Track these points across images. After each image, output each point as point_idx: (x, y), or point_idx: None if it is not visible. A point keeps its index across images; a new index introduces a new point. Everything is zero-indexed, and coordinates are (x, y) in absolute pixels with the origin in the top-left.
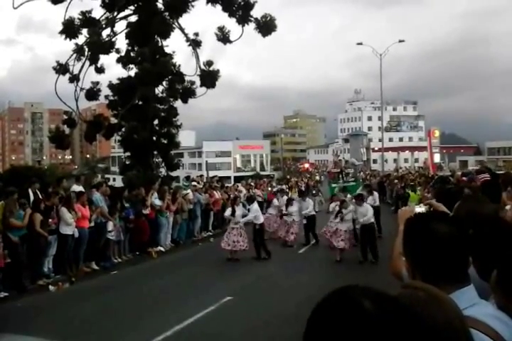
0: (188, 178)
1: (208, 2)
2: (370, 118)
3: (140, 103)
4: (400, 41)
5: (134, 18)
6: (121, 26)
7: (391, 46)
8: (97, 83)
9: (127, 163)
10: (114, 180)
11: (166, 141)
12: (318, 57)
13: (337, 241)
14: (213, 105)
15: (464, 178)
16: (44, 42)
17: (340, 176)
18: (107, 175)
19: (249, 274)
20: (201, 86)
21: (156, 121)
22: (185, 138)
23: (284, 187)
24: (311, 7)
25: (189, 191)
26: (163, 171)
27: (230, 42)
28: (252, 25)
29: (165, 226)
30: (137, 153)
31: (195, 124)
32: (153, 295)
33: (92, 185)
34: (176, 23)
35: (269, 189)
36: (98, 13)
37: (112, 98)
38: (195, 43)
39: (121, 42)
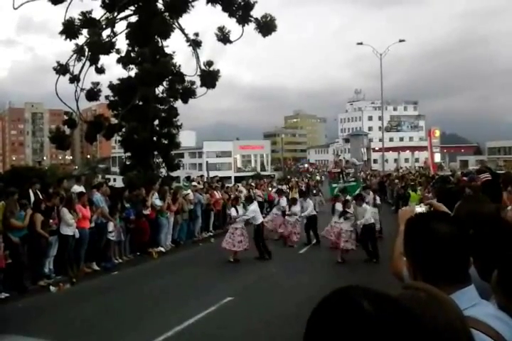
0: (188, 178)
1: (208, 2)
2: (370, 118)
3: (140, 103)
4: (400, 41)
5: (134, 19)
6: (121, 27)
7: (391, 46)
8: (98, 83)
9: (128, 163)
10: (114, 180)
11: (166, 141)
12: (319, 57)
13: (343, 242)
14: (214, 105)
15: (465, 178)
16: (44, 43)
17: (341, 176)
18: (107, 176)
19: (249, 274)
20: (201, 86)
21: (156, 122)
22: (186, 138)
23: (282, 187)
24: (311, 7)
25: (189, 191)
26: (163, 171)
27: (230, 42)
28: (252, 25)
29: (165, 227)
30: (138, 153)
31: (195, 124)
32: (154, 295)
33: (93, 186)
34: (176, 24)
35: (270, 189)
36: (98, 13)
37: (112, 98)
38: (195, 43)
39: (122, 43)
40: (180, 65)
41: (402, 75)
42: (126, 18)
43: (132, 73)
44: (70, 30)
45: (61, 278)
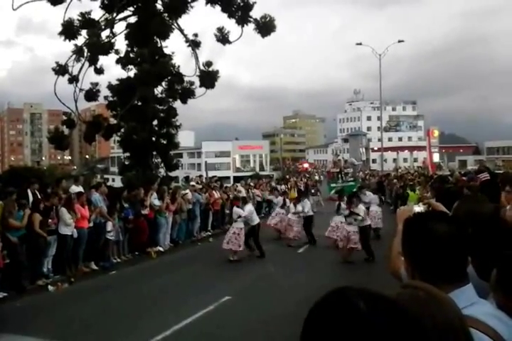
0: (187, 178)
1: (207, 3)
2: (369, 118)
3: (139, 103)
4: (399, 41)
5: (133, 19)
6: (120, 27)
7: (390, 46)
8: (97, 84)
9: (126, 163)
10: (113, 180)
11: (165, 142)
12: (318, 58)
13: (353, 243)
14: (213, 105)
15: (464, 178)
16: (43, 44)
17: (340, 176)
18: (106, 176)
19: (248, 274)
20: (200, 86)
21: (155, 122)
22: (185, 138)
23: (281, 187)
24: (311, 7)
25: (188, 191)
26: (162, 171)
27: (230, 42)
28: (251, 26)
29: (164, 227)
30: (136, 153)
31: (194, 125)
32: (153, 295)
33: (91, 186)
34: (175, 24)
35: (269, 189)
36: (97, 14)
37: (111, 99)
38: (194, 44)
39: (121, 43)
40: (179, 66)
41: (400, 75)
42: (125, 18)
43: (131, 73)
44: (69, 30)
45: (59, 278)
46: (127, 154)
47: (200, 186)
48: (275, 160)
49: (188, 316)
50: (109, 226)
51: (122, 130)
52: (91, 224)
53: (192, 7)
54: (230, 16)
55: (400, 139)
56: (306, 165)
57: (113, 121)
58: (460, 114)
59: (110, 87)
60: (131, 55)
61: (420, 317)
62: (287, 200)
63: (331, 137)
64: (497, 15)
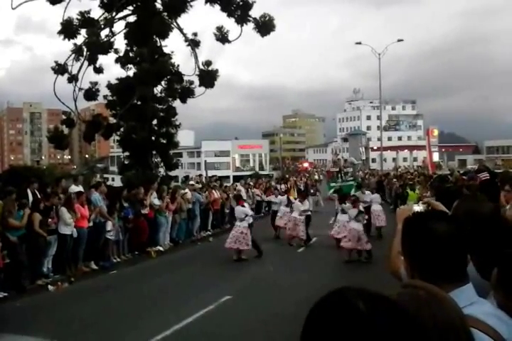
0: (186, 178)
1: (206, 2)
2: (369, 118)
3: (139, 103)
4: (399, 40)
5: (132, 19)
6: (119, 26)
7: (390, 45)
8: (96, 83)
9: (126, 162)
10: (113, 179)
11: (164, 141)
12: (317, 57)
13: (362, 244)
14: (212, 105)
15: (465, 177)
16: (43, 43)
17: (339, 175)
18: (106, 175)
19: (248, 273)
20: (200, 86)
21: (154, 121)
22: (184, 137)
23: (281, 186)
24: (310, 7)
25: (187, 190)
26: (162, 171)
27: (229, 42)
28: (250, 25)
29: (164, 226)
30: (136, 152)
31: (194, 124)
32: (153, 294)
33: (91, 185)
34: (175, 23)
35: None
36: (97, 13)
37: (110, 98)
38: (193, 43)
39: (120, 43)
40: (178, 65)
41: (400, 75)
42: (124, 17)
43: (131, 73)
44: (68, 29)
45: (59, 278)
46: (127, 153)
47: (200, 185)
48: (275, 160)
49: (188, 316)
50: (109, 225)
51: (122, 129)
52: (91, 224)
53: (191, 6)
54: (229, 15)
55: (400, 138)
56: (306, 165)
57: (112, 120)
58: (459, 113)
59: (109, 86)
60: (131, 54)
61: (421, 316)
62: (291, 198)
63: (331, 136)
64: (497, 14)
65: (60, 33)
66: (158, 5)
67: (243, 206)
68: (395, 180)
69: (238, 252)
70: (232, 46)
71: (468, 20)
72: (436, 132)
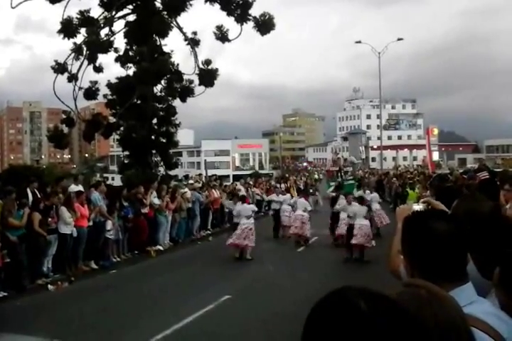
0: (186, 177)
1: (206, 1)
2: (368, 117)
3: (138, 102)
4: (399, 39)
5: (132, 18)
6: (119, 25)
7: (390, 44)
8: (96, 82)
9: (126, 162)
10: (113, 179)
11: (164, 140)
12: (317, 56)
13: (371, 240)
14: (212, 104)
15: (465, 176)
16: (42, 42)
17: (339, 174)
18: (105, 174)
19: (248, 273)
20: (200, 85)
21: (154, 120)
22: (184, 136)
23: (277, 186)
24: (310, 6)
25: (187, 189)
26: (161, 170)
27: (229, 41)
28: (250, 24)
29: (164, 225)
30: (136, 152)
31: (193, 123)
32: (152, 294)
33: (91, 185)
34: (175, 22)
35: (268, 187)
36: (96, 12)
37: (110, 97)
38: (193, 42)
39: (120, 42)
40: (178, 64)
41: (400, 74)
42: (124, 17)
43: (130, 72)
44: (68, 29)
45: (59, 277)
46: (127, 153)
47: (200, 185)
48: (275, 159)
49: (188, 315)
50: (109, 225)
51: (122, 128)
52: (91, 223)
53: (191, 5)
54: (229, 14)
55: (400, 137)
56: (305, 164)
57: (112, 119)
58: (459, 112)
59: (109, 85)
60: (131, 54)
61: (422, 315)
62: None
63: (331, 135)
64: (497, 14)
65: (59, 32)
66: (158, 4)
67: (249, 203)
68: (394, 179)
69: (241, 250)
70: (232, 45)
71: (468, 20)
72: (436, 131)
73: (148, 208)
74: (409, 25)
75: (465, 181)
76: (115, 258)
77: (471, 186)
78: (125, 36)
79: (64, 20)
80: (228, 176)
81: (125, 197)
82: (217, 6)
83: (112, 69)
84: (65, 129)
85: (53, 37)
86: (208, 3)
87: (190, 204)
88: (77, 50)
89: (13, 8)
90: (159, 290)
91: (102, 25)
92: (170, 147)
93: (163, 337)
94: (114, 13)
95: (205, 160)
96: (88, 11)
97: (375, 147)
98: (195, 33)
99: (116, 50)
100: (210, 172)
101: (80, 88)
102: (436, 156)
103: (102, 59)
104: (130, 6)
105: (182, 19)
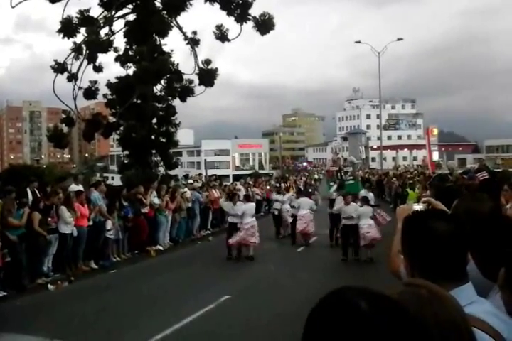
0: (186, 177)
1: (206, 1)
2: (368, 117)
3: (138, 102)
4: (399, 39)
5: (132, 17)
6: (119, 25)
7: (389, 44)
8: (96, 82)
9: (126, 161)
10: (112, 178)
11: (164, 140)
12: (317, 56)
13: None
14: (212, 104)
15: (465, 176)
16: (42, 41)
17: (339, 174)
18: (105, 174)
19: (248, 273)
20: (200, 84)
21: (154, 120)
22: (184, 136)
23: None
24: (310, 5)
25: (186, 189)
26: (161, 170)
27: (229, 40)
28: (250, 24)
29: (164, 225)
30: (136, 151)
31: (193, 123)
32: (152, 293)
33: (91, 184)
34: (174, 22)
35: (268, 187)
36: (96, 11)
37: (110, 97)
38: (193, 42)
39: (120, 41)
40: (178, 64)
41: (400, 74)
42: (124, 16)
43: (130, 71)
44: (67, 28)
45: (59, 277)
46: (126, 152)
47: (199, 184)
48: (274, 159)
49: (188, 315)
50: (109, 224)
51: (121, 128)
52: (90, 223)
53: (191, 5)
54: (229, 14)
55: (400, 137)
56: (305, 164)
57: (112, 119)
58: (459, 112)
59: (109, 85)
60: (130, 53)
61: (423, 315)
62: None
63: (330, 135)
64: (497, 14)
65: (59, 31)
66: (158, 3)
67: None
68: (394, 179)
69: (239, 250)
70: (231, 45)
71: (468, 20)
72: (435, 131)
73: (148, 208)
74: (409, 25)
75: (465, 181)
76: (115, 258)
77: (470, 186)
78: (125, 36)
79: (64, 20)
80: (228, 176)
81: (125, 196)
82: (217, 5)
83: (111, 68)
84: (65, 129)
85: (53, 36)
86: (208, 2)
87: (190, 204)
88: (76, 49)
89: (12, 7)
90: (159, 290)
91: (101, 24)
92: (170, 147)
93: (162, 337)
94: (113, 12)
95: (205, 159)
96: (88, 11)
97: (374, 147)
98: (195, 33)
99: (116, 50)
100: (210, 172)
101: (80, 88)
102: (436, 156)
103: (102, 58)
104: (130, 6)
105: (182, 19)
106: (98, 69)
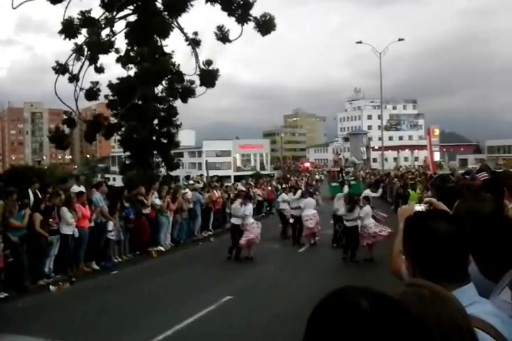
0: (188, 178)
1: (207, 1)
2: (369, 117)
3: (140, 102)
4: (400, 40)
5: (133, 18)
6: (120, 26)
7: (390, 45)
8: (97, 83)
9: (127, 162)
10: (114, 179)
11: (165, 141)
12: (318, 56)
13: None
14: (213, 104)
15: (467, 176)
16: (43, 42)
17: (340, 175)
18: (107, 175)
19: (249, 273)
20: (201, 85)
21: (155, 121)
22: (185, 137)
23: (278, 186)
24: (311, 6)
25: (187, 190)
26: (163, 171)
27: (230, 41)
28: (251, 25)
29: (165, 226)
30: (137, 152)
31: (194, 124)
32: (154, 294)
33: (92, 185)
34: (175, 23)
35: (269, 188)
36: (97, 12)
37: (111, 98)
38: (194, 43)
39: (121, 42)
40: (179, 64)
41: (401, 74)
42: (125, 17)
43: (131, 72)
44: (69, 29)
45: (61, 278)
46: (128, 153)
47: (201, 185)
48: (276, 159)
49: (190, 316)
50: (110, 225)
51: (123, 129)
52: (92, 224)
53: (192, 5)
54: (229, 15)
55: (401, 138)
56: (307, 165)
57: (113, 120)
58: (461, 112)
59: (110, 85)
60: (132, 54)
61: (425, 315)
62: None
63: (332, 136)
64: (498, 13)
65: (60, 32)
66: (159, 4)
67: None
68: (396, 179)
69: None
70: (232, 45)
71: (469, 19)
72: (437, 131)
73: (150, 209)
74: (410, 25)
75: (466, 182)
76: (116, 259)
77: (472, 187)
78: (126, 37)
79: (65, 21)
80: (229, 177)
81: (126, 197)
82: (217, 6)
83: (112, 69)
84: (67, 130)
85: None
86: (209, 3)
87: (192, 205)
88: (78, 50)
89: (14, 8)
90: (160, 290)
91: (102, 25)
92: (171, 148)
93: (164, 338)
94: (114, 13)
95: (206, 160)
96: (89, 12)
97: (376, 148)
98: (196, 34)
99: (117, 51)
100: (212, 172)
101: (81, 89)
102: (437, 157)
103: (103, 59)
104: (131, 7)
105: (183, 19)
106: (99, 70)
